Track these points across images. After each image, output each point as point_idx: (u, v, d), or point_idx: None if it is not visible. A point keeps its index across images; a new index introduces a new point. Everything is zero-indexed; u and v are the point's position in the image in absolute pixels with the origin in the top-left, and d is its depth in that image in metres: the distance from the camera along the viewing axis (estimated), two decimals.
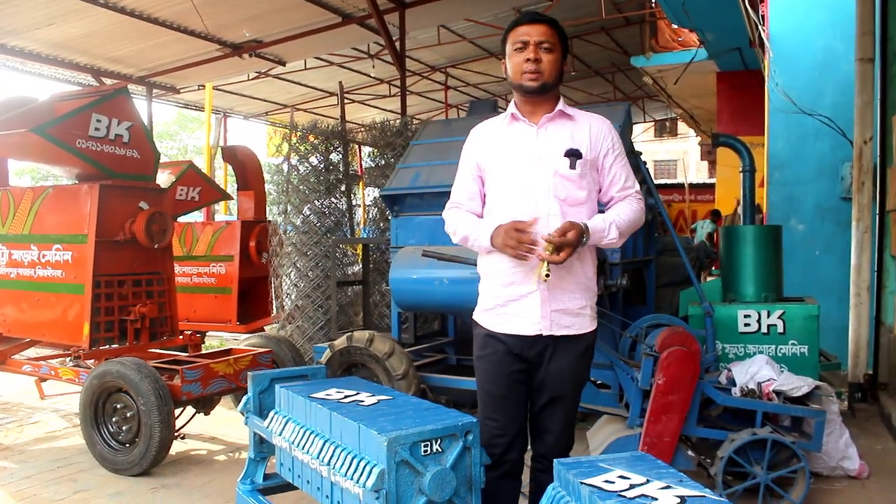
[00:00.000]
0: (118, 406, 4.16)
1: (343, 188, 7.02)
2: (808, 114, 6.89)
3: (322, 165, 6.78)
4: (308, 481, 2.30)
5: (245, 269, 7.16)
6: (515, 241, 2.21)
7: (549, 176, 2.32)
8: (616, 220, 2.34)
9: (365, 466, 1.97)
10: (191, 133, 31.03)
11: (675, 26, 14.47)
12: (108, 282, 4.66)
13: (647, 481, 1.61)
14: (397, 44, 7.92)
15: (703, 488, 1.57)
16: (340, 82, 10.43)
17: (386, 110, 15.58)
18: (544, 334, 2.33)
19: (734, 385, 3.74)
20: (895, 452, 4.32)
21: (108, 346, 4.71)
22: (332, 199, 6.83)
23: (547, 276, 2.21)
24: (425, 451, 1.99)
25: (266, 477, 2.85)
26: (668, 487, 1.58)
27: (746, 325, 4.48)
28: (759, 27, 7.22)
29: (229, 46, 8.79)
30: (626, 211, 2.39)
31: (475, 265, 2.55)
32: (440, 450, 2.03)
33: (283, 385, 2.59)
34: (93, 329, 4.58)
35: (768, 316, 4.43)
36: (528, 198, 2.32)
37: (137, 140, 4.84)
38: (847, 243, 6.83)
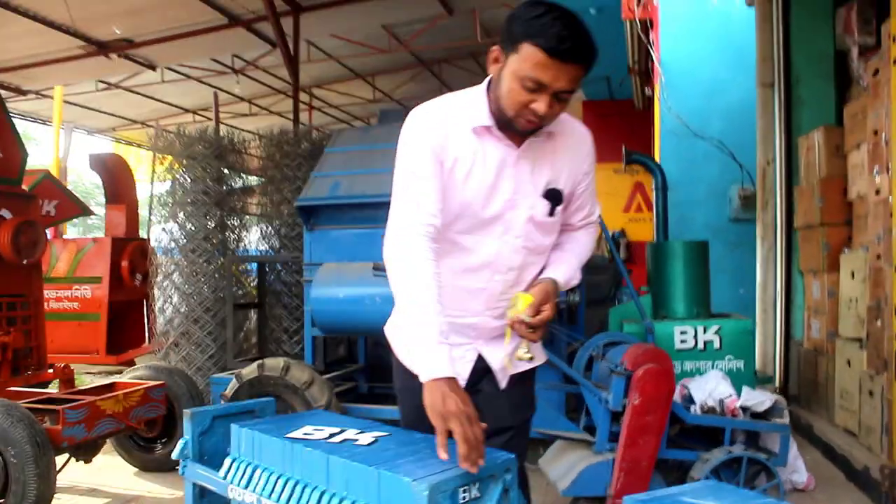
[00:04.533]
0: None
1: (231, 204, 6.39)
2: (702, 137, 7.16)
3: (209, 178, 6.11)
4: None
5: (116, 293, 6.32)
6: (466, 441, 1.53)
7: (522, 222, 1.79)
8: (581, 262, 1.92)
9: None
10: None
11: None
12: None
13: None
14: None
15: None
16: (215, 93, 9.72)
17: (245, 130, 14.98)
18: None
19: (691, 402, 3.61)
20: (824, 463, 4.37)
21: None
22: (221, 215, 6.18)
23: (530, 357, 1.81)
24: (464, 498, 1.60)
25: None
26: None
27: (683, 341, 4.40)
28: (651, 52, 7.44)
29: (94, 44, 7.81)
30: (586, 246, 1.96)
31: None
32: (478, 494, 1.65)
33: (242, 424, 2.07)
34: None
35: (704, 332, 4.37)
36: (488, 244, 1.81)
37: None
38: (736, 263, 7.14)
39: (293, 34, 7.25)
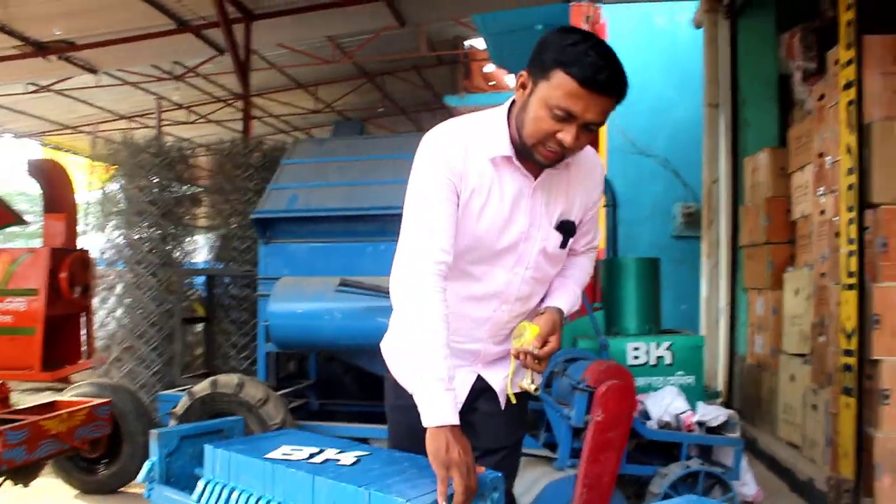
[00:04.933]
0: None
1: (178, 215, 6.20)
2: (648, 155, 7.35)
3: (157, 188, 5.92)
4: None
5: (53, 306, 6.00)
6: (465, 491, 1.52)
7: (534, 254, 1.77)
8: (582, 288, 1.92)
9: None
10: None
11: (485, 70, 15.22)
12: None
13: None
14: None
15: None
16: (158, 100, 9.45)
17: (184, 139, 14.62)
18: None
19: (647, 418, 3.67)
20: (769, 476, 4.51)
21: None
22: (169, 225, 5.99)
23: (535, 389, 1.75)
24: None
25: None
26: None
27: (636, 357, 4.47)
28: None
29: (32, 45, 7.46)
30: (586, 271, 1.96)
31: None
32: None
33: (217, 445, 2.00)
34: None
35: (657, 347, 4.46)
36: (498, 275, 1.78)
37: None
38: (679, 279, 7.32)
39: (244, 42, 7.11)
